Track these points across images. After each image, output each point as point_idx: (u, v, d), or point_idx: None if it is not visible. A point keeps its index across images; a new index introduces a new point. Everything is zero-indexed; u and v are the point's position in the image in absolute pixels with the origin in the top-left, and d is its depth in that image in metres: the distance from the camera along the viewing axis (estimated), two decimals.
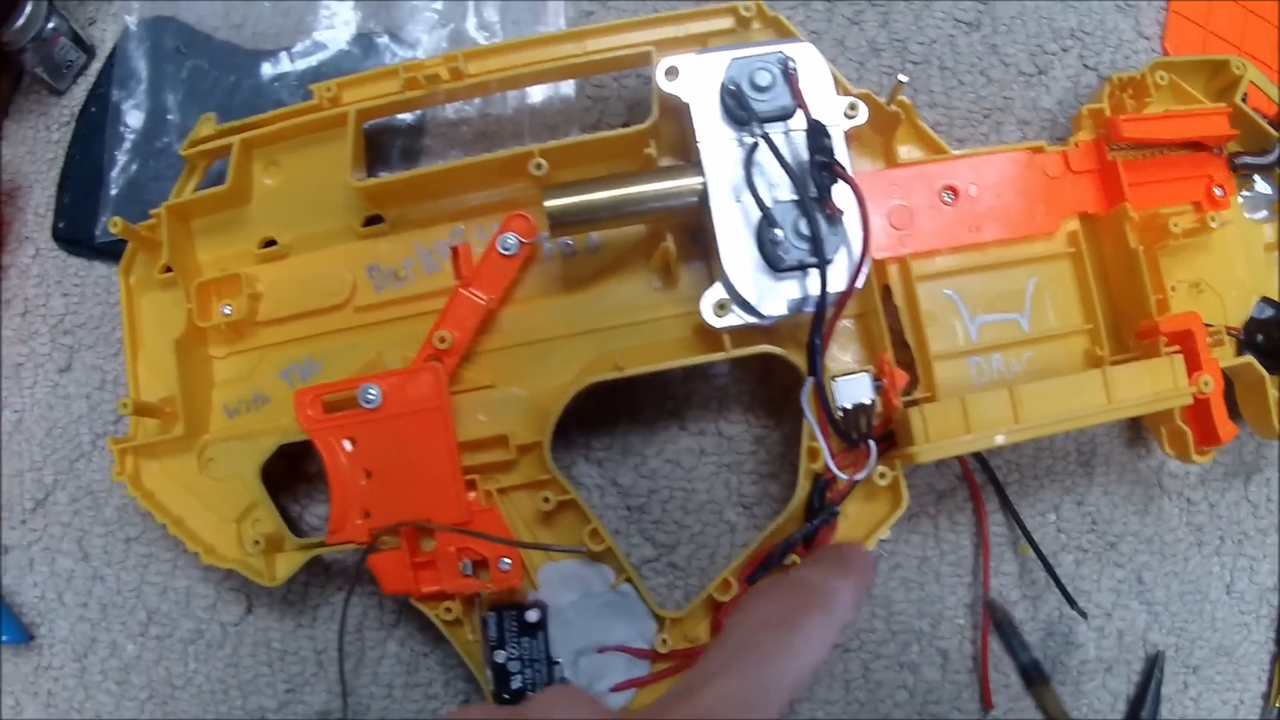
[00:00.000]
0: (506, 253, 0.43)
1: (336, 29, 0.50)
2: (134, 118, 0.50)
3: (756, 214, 0.39)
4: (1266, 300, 0.47)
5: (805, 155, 0.39)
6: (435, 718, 0.47)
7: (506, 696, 0.42)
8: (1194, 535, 0.50)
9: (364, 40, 0.50)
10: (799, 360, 0.42)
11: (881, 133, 0.45)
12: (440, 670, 0.48)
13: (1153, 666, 0.49)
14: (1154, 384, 0.41)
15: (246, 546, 0.43)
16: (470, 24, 0.49)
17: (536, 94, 0.49)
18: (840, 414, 0.41)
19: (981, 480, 0.48)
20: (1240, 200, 0.47)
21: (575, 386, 0.42)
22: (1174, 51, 0.51)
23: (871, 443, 0.41)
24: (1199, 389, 0.42)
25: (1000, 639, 0.45)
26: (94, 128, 0.51)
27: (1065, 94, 0.51)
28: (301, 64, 0.50)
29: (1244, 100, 0.46)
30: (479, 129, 0.49)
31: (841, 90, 0.42)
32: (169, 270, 0.45)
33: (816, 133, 0.39)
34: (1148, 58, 0.51)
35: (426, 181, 0.43)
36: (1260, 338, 0.45)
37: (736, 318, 0.40)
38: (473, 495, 0.42)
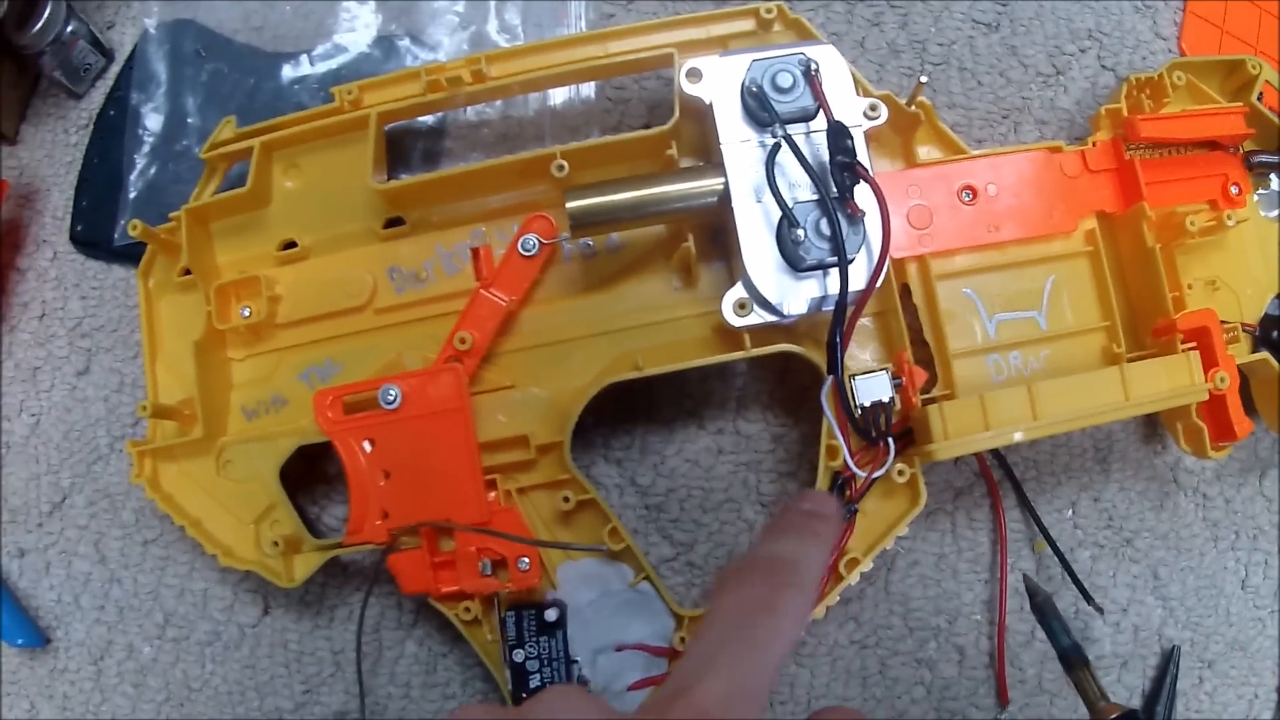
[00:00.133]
0: (527, 254, 0.43)
1: (357, 32, 0.50)
2: (153, 121, 0.50)
3: (777, 214, 0.39)
4: None
5: (826, 156, 0.40)
6: (438, 718, 0.47)
7: (525, 696, 0.42)
8: (1209, 531, 0.51)
9: (385, 43, 0.50)
10: (818, 359, 0.42)
11: (901, 133, 0.45)
12: (458, 670, 0.48)
13: (1168, 661, 0.49)
14: (1171, 381, 0.42)
15: (264, 548, 0.43)
16: (491, 26, 0.50)
17: (557, 96, 0.49)
18: (859, 412, 0.41)
19: (999, 477, 0.48)
20: (1256, 198, 0.48)
21: (595, 386, 0.42)
22: (1191, 51, 0.52)
23: (890, 440, 0.41)
24: (1215, 385, 0.43)
25: (1040, 622, 0.45)
26: (112, 131, 0.51)
27: (1083, 94, 0.51)
28: (322, 67, 0.50)
29: (1259, 99, 0.47)
30: (500, 131, 0.49)
31: (862, 91, 0.42)
32: (188, 273, 0.45)
33: (838, 133, 0.39)
34: (1165, 58, 0.52)
35: (448, 183, 0.44)
36: (1276, 334, 0.46)
37: (757, 317, 0.40)
38: (492, 495, 0.43)
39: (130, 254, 0.49)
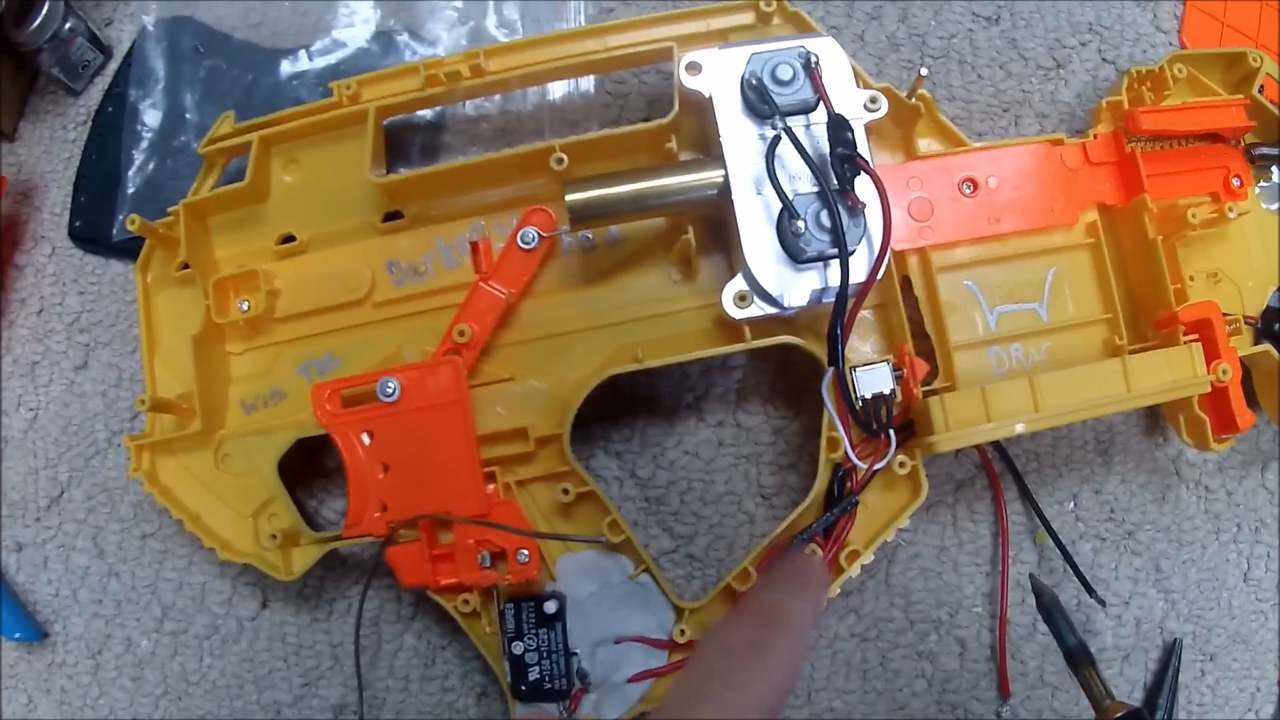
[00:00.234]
0: (526, 247, 0.43)
1: (356, 27, 0.50)
2: (151, 117, 0.50)
3: (777, 206, 0.39)
4: None
5: (826, 148, 0.40)
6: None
7: (524, 688, 0.42)
8: (1211, 523, 0.51)
9: (383, 38, 0.50)
10: (818, 351, 0.42)
11: (902, 126, 0.45)
12: (457, 663, 0.48)
13: (1170, 654, 0.49)
14: (1173, 372, 0.42)
15: (263, 541, 0.43)
16: (490, 21, 0.50)
17: (557, 90, 0.49)
18: (860, 404, 0.41)
19: (1000, 469, 0.48)
20: (1257, 191, 0.48)
21: (595, 379, 0.42)
22: (1191, 44, 0.52)
23: (891, 432, 0.41)
24: (1217, 377, 0.43)
25: (1045, 621, 0.45)
26: (110, 128, 0.51)
27: (1083, 87, 0.51)
28: (320, 62, 0.50)
29: (1260, 92, 0.47)
30: (499, 125, 0.49)
31: (862, 84, 0.42)
32: (186, 267, 0.45)
33: (838, 126, 0.39)
34: (1165, 51, 0.52)
35: (446, 177, 0.43)
36: (1277, 326, 0.46)
37: (757, 309, 0.40)
38: (491, 488, 0.43)
39: (128, 249, 0.49)
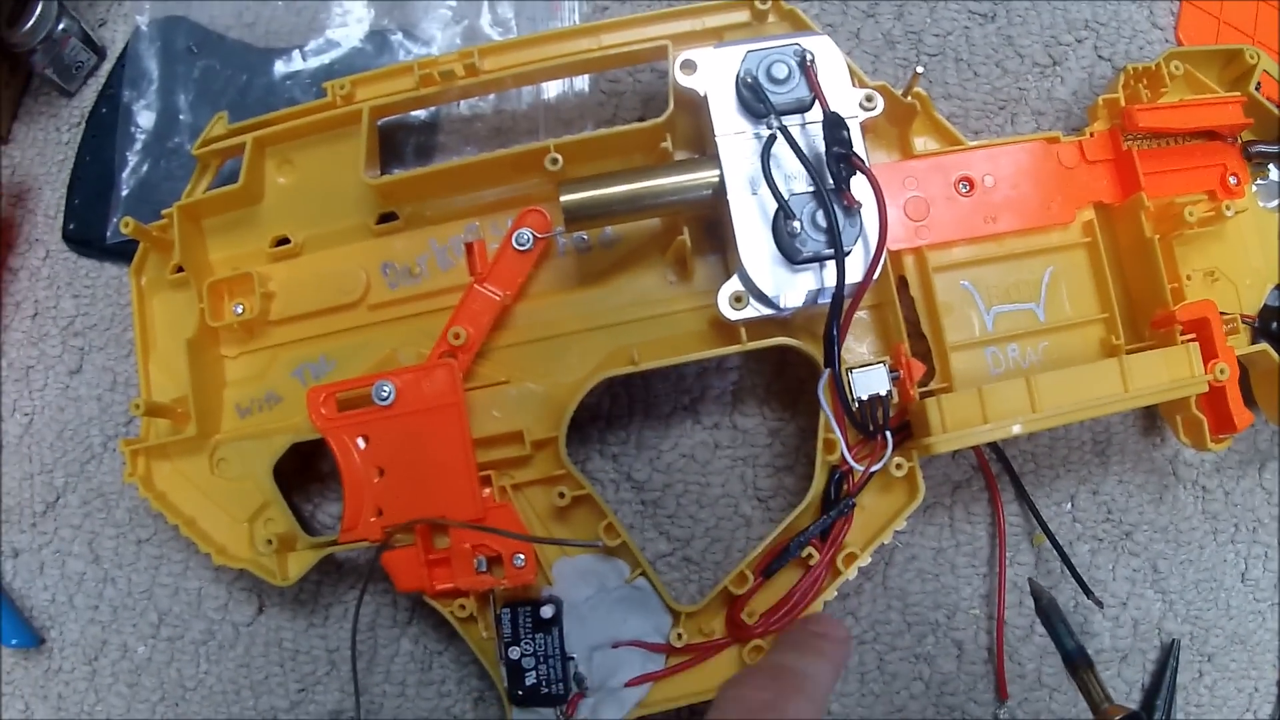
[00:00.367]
0: (521, 248, 0.43)
1: (350, 27, 0.50)
2: (145, 118, 0.50)
3: (773, 206, 0.39)
4: None
5: (822, 147, 0.39)
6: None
7: (520, 693, 0.42)
8: (1209, 524, 0.50)
9: (377, 38, 0.50)
10: (815, 352, 0.42)
11: (897, 124, 0.45)
12: (454, 668, 0.48)
13: (1168, 655, 0.49)
14: (1170, 372, 0.41)
15: (259, 546, 0.43)
16: (484, 20, 0.50)
17: (551, 89, 0.49)
18: (856, 405, 0.41)
19: (997, 470, 0.48)
20: (1255, 188, 0.48)
21: (590, 381, 0.42)
22: (1187, 42, 0.52)
23: (888, 434, 0.41)
24: (1215, 377, 0.42)
25: (1044, 625, 0.45)
26: (104, 129, 0.51)
27: (1080, 85, 0.51)
28: (314, 62, 0.50)
29: (1257, 89, 0.46)
30: (494, 125, 0.49)
31: (858, 82, 0.42)
32: (180, 270, 0.45)
33: (834, 125, 0.39)
34: (1162, 48, 0.51)
35: (441, 178, 0.43)
36: (1275, 325, 0.46)
37: (753, 310, 0.40)
38: (487, 491, 0.42)
39: (123, 252, 0.49)
